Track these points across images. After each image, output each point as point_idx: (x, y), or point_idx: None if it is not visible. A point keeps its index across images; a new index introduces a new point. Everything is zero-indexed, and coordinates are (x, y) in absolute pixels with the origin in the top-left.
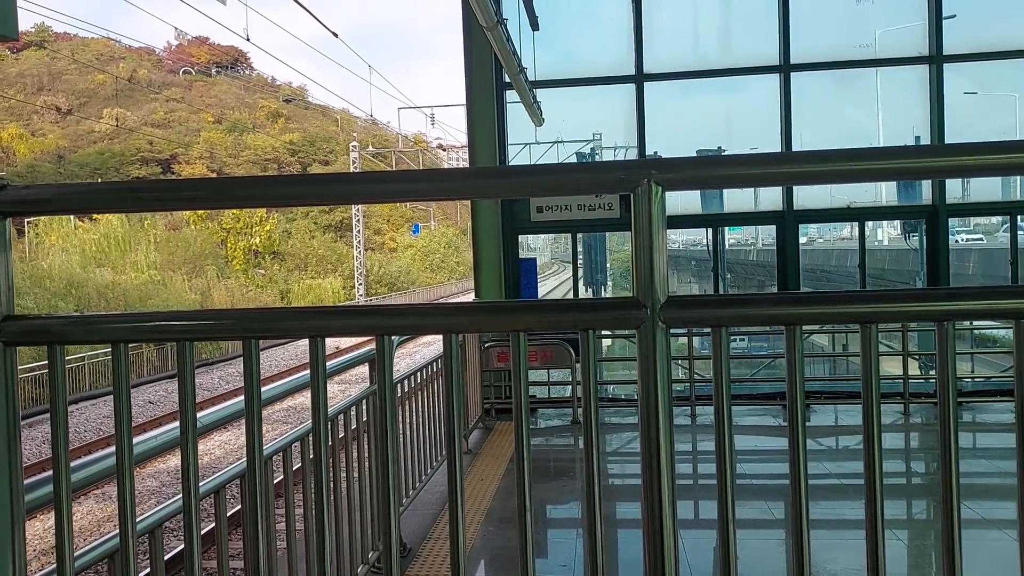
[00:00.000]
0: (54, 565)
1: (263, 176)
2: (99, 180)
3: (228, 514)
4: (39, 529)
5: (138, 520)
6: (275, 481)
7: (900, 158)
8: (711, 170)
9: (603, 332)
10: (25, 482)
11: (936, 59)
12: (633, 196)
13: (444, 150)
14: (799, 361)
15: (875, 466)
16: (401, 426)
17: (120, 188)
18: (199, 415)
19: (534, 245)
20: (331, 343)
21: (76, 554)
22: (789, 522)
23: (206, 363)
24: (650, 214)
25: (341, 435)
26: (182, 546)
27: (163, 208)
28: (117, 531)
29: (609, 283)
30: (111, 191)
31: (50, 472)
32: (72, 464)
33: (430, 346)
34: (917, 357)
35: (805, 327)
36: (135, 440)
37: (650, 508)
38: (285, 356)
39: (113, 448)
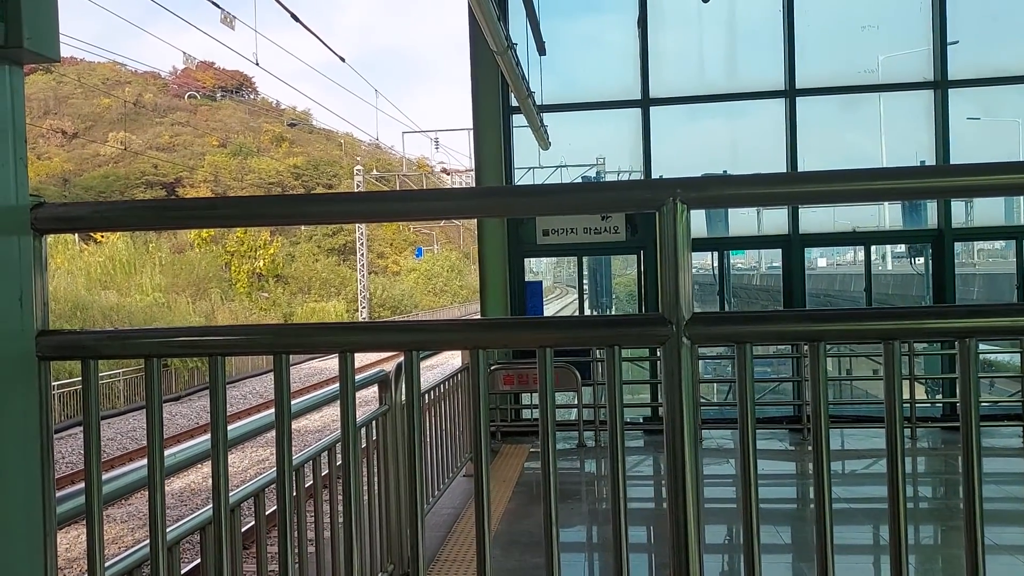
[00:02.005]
0: None
1: (292, 195)
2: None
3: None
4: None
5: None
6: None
7: (924, 178)
8: (736, 189)
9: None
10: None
11: (940, 84)
12: (658, 215)
13: (448, 174)
14: (823, 378)
15: (898, 481)
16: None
17: (154, 206)
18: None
19: (536, 269)
20: (324, 366)
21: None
22: (814, 543)
23: (206, 387)
24: (675, 232)
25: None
26: (195, 562)
27: (196, 226)
28: (127, 551)
29: (614, 307)
30: (145, 208)
31: (74, 486)
32: (103, 477)
33: (432, 370)
34: (923, 381)
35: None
36: (166, 453)
37: (675, 525)
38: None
39: (139, 463)
